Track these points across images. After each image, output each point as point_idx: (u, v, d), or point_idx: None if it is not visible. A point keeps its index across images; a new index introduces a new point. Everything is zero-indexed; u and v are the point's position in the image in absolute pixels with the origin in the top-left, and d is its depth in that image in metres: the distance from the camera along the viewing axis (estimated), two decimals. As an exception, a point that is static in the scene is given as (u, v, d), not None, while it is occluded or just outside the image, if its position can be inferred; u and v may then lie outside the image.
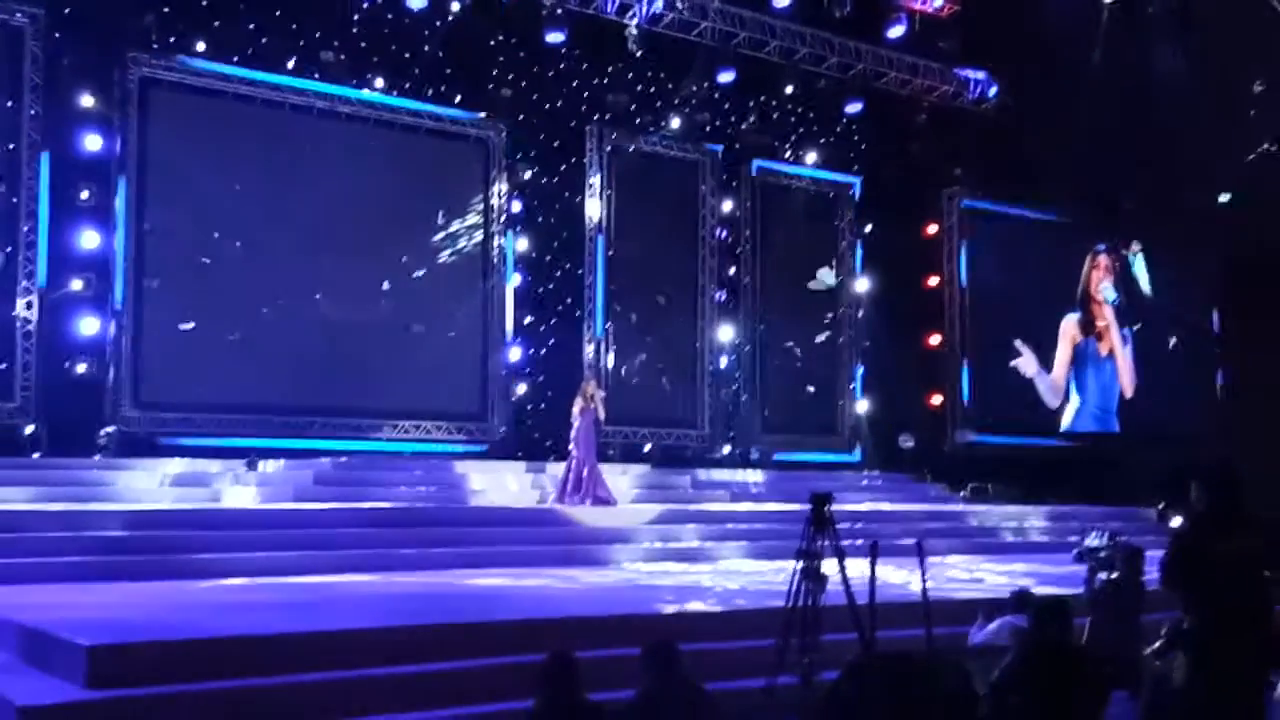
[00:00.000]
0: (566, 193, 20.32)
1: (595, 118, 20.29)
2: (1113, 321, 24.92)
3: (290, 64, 17.78)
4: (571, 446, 15.97)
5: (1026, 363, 23.72)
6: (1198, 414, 25.61)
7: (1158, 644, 6.48)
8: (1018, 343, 23.49)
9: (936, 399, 23.11)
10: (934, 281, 23.54)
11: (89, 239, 16.17)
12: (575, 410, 16.05)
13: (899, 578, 10.12)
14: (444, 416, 18.99)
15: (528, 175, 19.96)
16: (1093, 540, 13.56)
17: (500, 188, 19.64)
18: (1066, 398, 24.43)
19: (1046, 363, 24.11)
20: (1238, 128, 23.14)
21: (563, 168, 20.29)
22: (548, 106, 19.93)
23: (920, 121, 22.38)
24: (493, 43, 19.07)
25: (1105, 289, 24.83)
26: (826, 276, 22.53)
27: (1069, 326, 24.41)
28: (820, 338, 22.66)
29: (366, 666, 7.59)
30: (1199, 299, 26.27)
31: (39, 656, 7.54)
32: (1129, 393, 24.94)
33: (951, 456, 22.47)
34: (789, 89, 21.26)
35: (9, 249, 15.69)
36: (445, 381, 19.01)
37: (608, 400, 19.58)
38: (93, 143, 16.28)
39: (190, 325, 16.78)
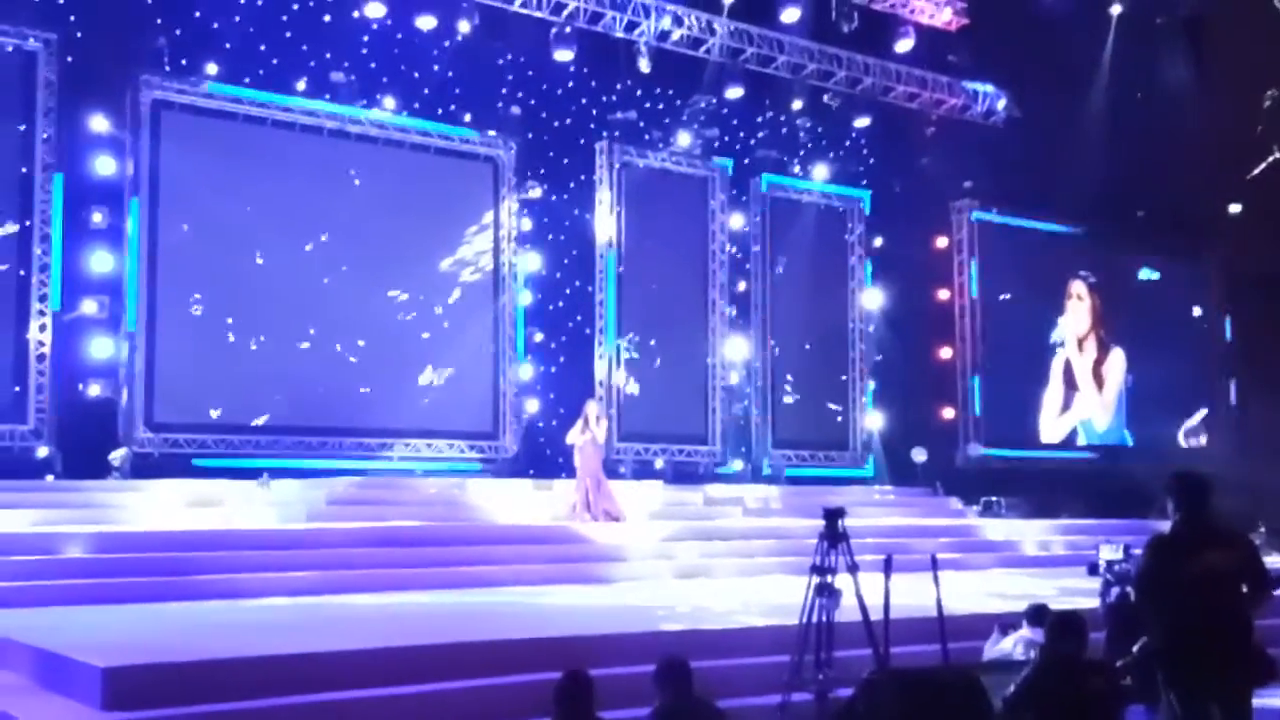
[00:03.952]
0: (576, 210, 20.39)
1: (604, 135, 20.36)
2: (1076, 358, 24.48)
3: (300, 85, 17.90)
4: (578, 466, 15.96)
5: None
6: (1211, 426, 25.55)
7: (1128, 659, 6.44)
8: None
9: (948, 413, 23.05)
10: (944, 295, 23.51)
11: (102, 261, 16.28)
12: (576, 431, 16.03)
13: (913, 592, 10.09)
14: (456, 435, 19.03)
15: (537, 193, 20.01)
16: (1107, 553, 13.51)
17: (510, 206, 19.71)
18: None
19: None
20: (1246, 139, 23.13)
21: (572, 185, 20.35)
22: (557, 124, 20.03)
23: (929, 135, 22.43)
24: (501, 61, 19.15)
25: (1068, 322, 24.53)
26: None
27: (1056, 369, 24.26)
28: (830, 352, 22.63)
29: (381, 686, 7.60)
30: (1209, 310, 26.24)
31: (54, 679, 7.56)
32: (1100, 427, 24.62)
33: (963, 471, 22.38)
34: (798, 104, 21.33)
35: (22, 272, 15.80)
36: (457, 400, 19.05)
37: (618, 417, 19.68)
38: (105, 165, 16.39)
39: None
